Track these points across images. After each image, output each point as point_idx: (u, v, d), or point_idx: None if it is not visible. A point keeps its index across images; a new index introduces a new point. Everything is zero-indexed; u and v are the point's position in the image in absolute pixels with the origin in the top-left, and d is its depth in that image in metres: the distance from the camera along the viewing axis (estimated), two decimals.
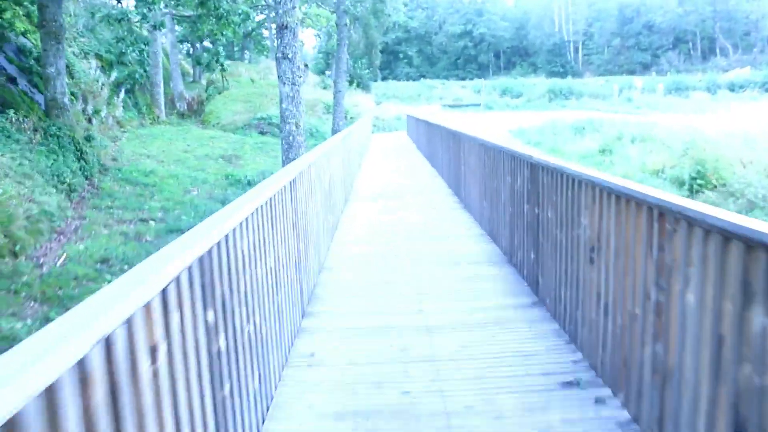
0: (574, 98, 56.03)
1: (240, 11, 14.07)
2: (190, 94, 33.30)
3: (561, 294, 4.20)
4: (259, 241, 3.19)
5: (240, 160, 20.73)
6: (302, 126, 9.21)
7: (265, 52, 54.10)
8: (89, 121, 19.95)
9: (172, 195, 13.88)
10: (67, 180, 12.88)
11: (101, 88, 21.73)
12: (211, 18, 15.14)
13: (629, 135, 25.38)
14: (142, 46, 14.65)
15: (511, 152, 5.83)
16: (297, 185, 4.67)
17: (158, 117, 28.32)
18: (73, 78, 21.51)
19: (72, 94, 19.92)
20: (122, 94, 22.26)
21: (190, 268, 2.09)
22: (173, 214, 12.21)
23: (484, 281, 5.48)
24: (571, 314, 3.99)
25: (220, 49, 20.98)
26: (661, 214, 2.63)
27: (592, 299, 3.54)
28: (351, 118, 31.60)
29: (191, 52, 41.73)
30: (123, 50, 14.68)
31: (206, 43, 53.72)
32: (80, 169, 14.18)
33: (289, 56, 8.76)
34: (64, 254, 8.79)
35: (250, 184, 15.32)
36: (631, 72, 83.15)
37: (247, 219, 2.90)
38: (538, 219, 4.84)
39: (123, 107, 26.08)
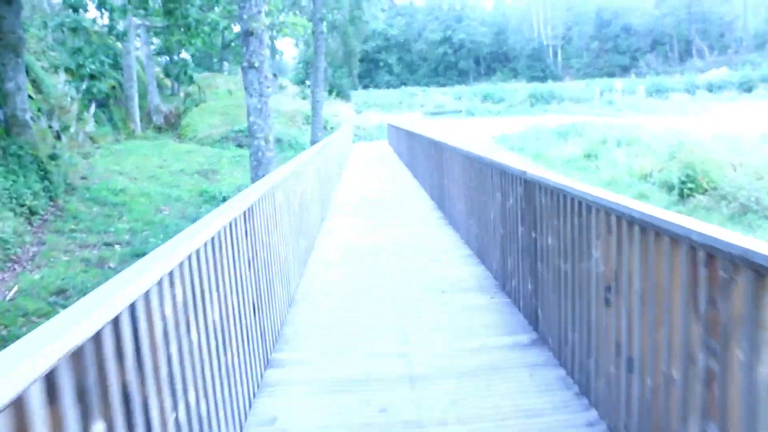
0: (556, 102, 55.82)
1: (209, 20, 13.39)
2: (168, 107, 32.49)
3: (567, 335, 3.57)
4: (195, 294, 2.51)
5: (216, 174, 20.02)
6: (272, 141, 8.56)
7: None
8: (58, 137, 19.16)
9: (142, 215, 13.15)
10: (27, 202, 12.12)
11: (71, 103, 20.94)
12: (179, 28, 14.46)
13: (613, 139, 25.01)
14: (102, 58, 13.87)
15: (500, 167, 5.22)
16: (255, 214, 3.99)
17: (134, 131, 27.54)
18: (41, 93, 20.75)
19: (39, 109, 19.16)
20: (93, 109, 21.47)
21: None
22: (141, 236, 11.48)
23: (476, 313, 4.85)
24: (581, 361, 3.36)
25: (189, 60, 20.21)
26: (710, 256, 1.99)
27: (609, 348, 2.91)
28: (331, 128, 30.98)
29: (168, 60, 40.96)
30: (81, 62, 13.92)
31: (183, 55, 53.06)
32: (44, 190, 13.41)
33: (256, 65, 8.10)
34: (16, 286, 8.06)
35: (225, 200, 14.61)
36: (611, 75, 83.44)
37: (172, 272, 2.22)
38: (535, 244, 4.23)
39: (97, 122, 25.31)
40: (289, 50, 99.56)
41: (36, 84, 20.39)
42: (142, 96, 32.87)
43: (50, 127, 19.37)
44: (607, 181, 18.62)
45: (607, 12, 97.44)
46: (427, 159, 11.08)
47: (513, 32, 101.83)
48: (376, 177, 15.14)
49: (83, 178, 16.74)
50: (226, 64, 55.76)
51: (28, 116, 14.10)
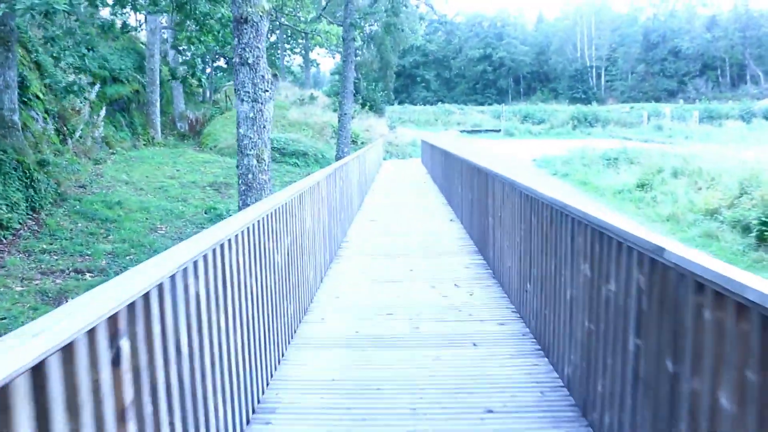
0: (600, 125, 53.28)
1: (220, 15, 11.63)
2: (196, 114, 31.02)
3: None
4: None
5: (230, 188, 18.26)
6: (268, 159, 6.62)
7: (277, 72, 52.17)
8: (63, 142, 17.66)
9: (132, 234, 11.37)
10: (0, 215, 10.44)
11: (81, 106, 19.47)
12: (191, 23, 12.76)
13: (670, 168, 22.68)
14: (84, 51, 12.17)
15: (580, 215, 3.25)
16: (210, 265, 2.73)
17: (153, 138, 26.07)
18: (56, 95, 19.32)
19: (46, 111, 17.72)
20: (103, 112, 19.94)
21: None
22: (121, 262, 9.67)
23: None
24: None
25: (197, 60, 18.56)
26: None
27: None
28: (362, 143, 29.15)
29: (201, 68, 39.75)
30: (56, 53, 12.27)
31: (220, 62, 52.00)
32: (26, 200, 11.73)
33: (249, 61, 6.18)
34: None
35: None
36: (656, 99, 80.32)
37: None
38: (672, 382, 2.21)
39: (115, 126, 23.95)
40: (327, 63, 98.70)
41: (50, 86, 18.99)
42: (170, 101, 31.54)
43: (57, 130, 17.91)
44: (667, 216, 16.41)
45: (655, 34, 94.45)
46: (467, 188, 9.05)
47: (555, 52, 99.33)
48: (404, 202, 13.10)
49: (82, 186, 15.12)
50: None
51: (16, 117, 12.49)
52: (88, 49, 11.30)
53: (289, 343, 4.60)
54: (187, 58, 18.02)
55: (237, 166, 6.61)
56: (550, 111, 61.46)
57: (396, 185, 17.54)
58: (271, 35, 49.85)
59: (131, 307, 1.94)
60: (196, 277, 2.58)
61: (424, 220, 10.64)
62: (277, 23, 32.87)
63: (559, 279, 3.89)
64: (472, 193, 8.28)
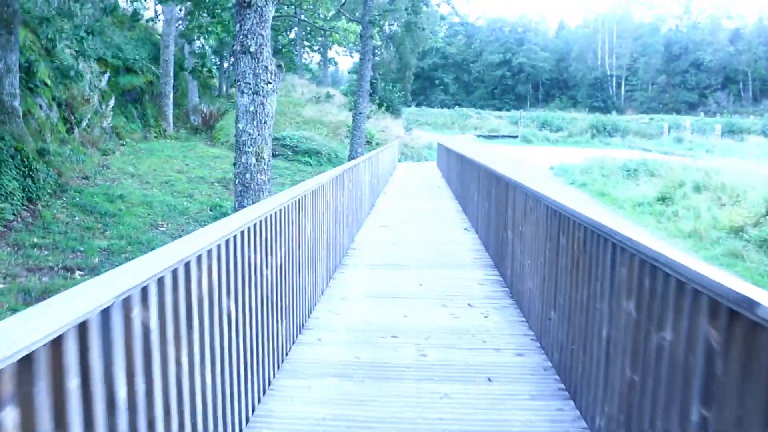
0: (619, 136, 52.36)
1: (230, 4, 11.11)
2: (211, 107, 30.59)
3: None
4: None
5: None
6: (268, 158, 6.04)
7: (294, 69, 51.71)
8: (69, 131, 17.24)
9: (131, 230, 10.88)
10: None
11: (91, 95, 19.07)
12: (202, 13, 12.26)
13: (691, 181, 21.94)
14: (83, 34, 11.64)
15: (625, 241, 2.70)
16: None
17: (165, 130, 25.67)
18: (64, 83, 18.95)
19: (53, 98, 17.31)
20: (112, 102, 19.51)
21: None
22: (117, 260, 9.17)
23: None
24: None
25: (208, 51, 18.07)
26: None
27: None
28: (377, 143, 28.58)
29: (217, 64, 39.35)
30: (50, 35, 11.80)
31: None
32: (22, 190, 11.28)
33: (251, 49, 5.62)
34: None
35: None
36: (676, 111, 79.13)
37: None
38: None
39: (126, 117, 23.59)
40: (345, 62, 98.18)
41: (60, 71, 18.60)
42: (184, 94, 31.15)
43: (64, 118, 17.51)
44: (689, 232, 15.74)
45: (677, 45, 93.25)
46: (484, 195, 8.46)
47: (575, 59, 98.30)
48: (416, 210, 12.50)
49: (85, 178, 14.68)
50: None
51: (16, 103, 12.05)
52: (88, 33, 10.80)
53: (278, 368, 4.04)
54: (198, 49, 17.53)
55: (234, 164, 6.05)
56: (568, 119, 60.58)
57: (409, 189, 16.96)
58: (290, 32, 49.48)
59: (24, 362, 1.39)
60: (145, 305, 2.03)
61: (437, 227, 10.05)
62: (296, 20, 32.45)
63: (592, 312, 3.31)
64: (490, 202, 7.69)
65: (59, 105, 17.27)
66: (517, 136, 50.78)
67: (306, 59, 58.65)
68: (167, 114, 25.87)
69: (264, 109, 5.82)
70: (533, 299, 4.82)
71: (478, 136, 53.72)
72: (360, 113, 19.58)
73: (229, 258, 2.90)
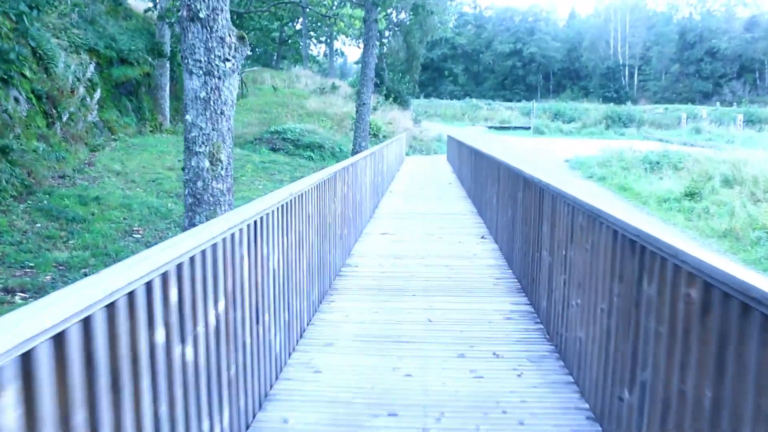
0: (634, 126, 50.62)
1: None
2: None
3: None
4: None
5: (233, 184, 16.44)
6: (227, 160, 4.62)
7: (300, 60, 50.38)
8: (51, 126, 15.95)
9: (99, 238, 9.54)
10: None
11: (75, 88, 17.78)
12: None
13: (718, 174, 20.47)
14: (24, 8, 10.16)
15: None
16: None
17: (161, 124, 24.37)
18: (49, 74, 17.69)
19: (32, 91, 16.04)
20: (98, 95, 18.18)
21: None
22: (75, 276, 7.84)
23: None
24: None
25: None
26: None
27: None
28: (384, 136, 27.16)
29: None
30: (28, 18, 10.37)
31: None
32: None
33: (201, 15, 4.18)
34: None
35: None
36: (691, 101, 77.21)
37: None
38: None
39: (120, 111, 22.37)
40: (353, 53, 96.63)
41: (44, 62, 17.33)
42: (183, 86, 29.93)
43: (44, 112, 16.24)
44: (723, 232, 14.32)
45: (691, 34, 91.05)
46: (506, 200, 7.04)
47: (587, 49, 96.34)
48: (424, 214, 11.04)
49: (62, 177, 13.39)
50: (285, 61, 52.87)
51: None
52: (30, 7, 9.43)
53: None
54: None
55: (183, 169, 4.66)
56: (581, 109, 58.89)
57: (417, 187, 15.49)
58: (296, 23, 48.08)
59: None
60: None
61: (449, 236, 8.61)
62: (301, 8, 31.03)
63: (724, 409, 1.93)
64: (514, 209, 6.28)
65: (39, 97, 16.01)
66: (529, 128, 49.21)
67: (314, 51, 57.31)
68: (164, 107, 24.56)
69: (220, 95, 4.39)
70: (587, 357, 3.44)
71: (489, 127, 52.23)
72: (364, 104, 18.12)
73: (135, 314, 1.64)
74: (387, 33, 40.31)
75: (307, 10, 31.77)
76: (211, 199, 4.49)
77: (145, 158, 18.00)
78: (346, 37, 47.67)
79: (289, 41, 51.41)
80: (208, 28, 4.28)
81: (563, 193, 4.05)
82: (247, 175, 17.78)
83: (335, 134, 26.30)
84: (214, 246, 2.54)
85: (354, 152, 18.49)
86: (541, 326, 4.70)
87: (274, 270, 3.59)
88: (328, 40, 52.91)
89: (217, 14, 4.33)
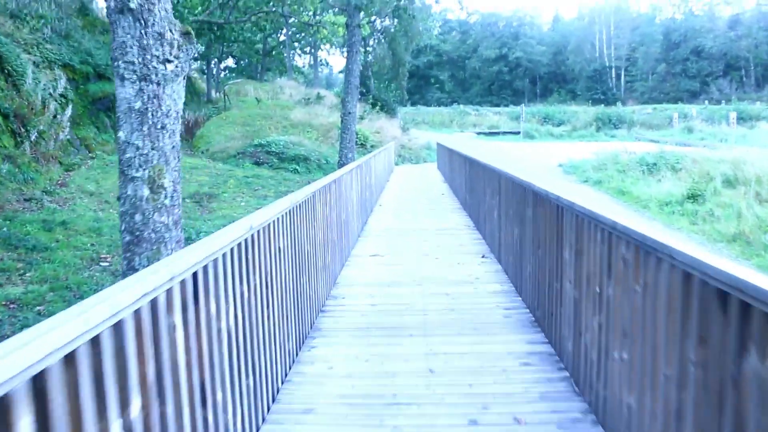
0: (625, 127, 50.06)
1: None
2: (196, 114, 28.31)
3: None
4: None
5: (213, 201, 15.55)
6: (173, 187, 3.73)
7: (284, 71, 49.63)
8: (19, 145, 15.06)
9: (62, 268, 8.65)
10: None
11: (45, 104, 16.90)
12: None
13: (719, 174, 19.78)
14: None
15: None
16: None
17: None
18: (18, 91, 16.86)
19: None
20: (69, 112, 17.29)
21: None
22: (27, 316, 6.94)
23: None
24: None
25: None
26: None
27: None
28: (371, 146, 26.35)
29: (205, 69, 37.11)
30: None
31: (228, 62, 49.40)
32: None
33: (132, 6, 3.31)
34: None
35: None
36: (678, 100, 77.08)
37: None
38: None
39: (98, 128, 21.53)
40: (338, 62, 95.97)
41: (12, 78, 16.49)
42: None
43: (12, 131, 15.35)
44: (732, 235, 13.59)
45: (676, 33, 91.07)
46: (511, 217, 6.21)
47: (572, 52, 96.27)
48: (417, 231, 10.21)
49: (28, 200, 12.50)
50: (269, 73, 52.04)
51: None
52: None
53: None
54: None
55: (118, 198, 3.76)
56: (570, 112, 58.35)
57: (408, 199, 14.60)
58: (279, 34, 47.30)
59: None
60: None
61: (446, 256, 7.74)
62: (284, 18, 30.26)
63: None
64: (523, 228, 5.44)
65: (5, 116, 15.13)
66: (518, 132, 48.51)
67: (299, 62, 56.53)
68: None
69: (161, 106, 3.47)
70: (637, 417, 2.60)
71: (478, 133, 51.58)
72: (349, 113, 17.26)
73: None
74: (372, 41, 39.61)
75: (291, 20, 31.03)
76: (153, 236, 3.60)
77: None
78: (330, 45, 46.93)
79: (273, 52, 50.67)
80: (142, 22, 3.38)
81: (594, 214, 3.21)
82: (228, 191, 16.91)
83: (321, 145, 25.47)
84: (118, 325, 1.70)
85: (340, 164, 17.65)
86: (567, 374, 3.86)
87: (229, 330, 2.74)
88: (312, 50, 52.18)
89: (153, 4, 3.44)
